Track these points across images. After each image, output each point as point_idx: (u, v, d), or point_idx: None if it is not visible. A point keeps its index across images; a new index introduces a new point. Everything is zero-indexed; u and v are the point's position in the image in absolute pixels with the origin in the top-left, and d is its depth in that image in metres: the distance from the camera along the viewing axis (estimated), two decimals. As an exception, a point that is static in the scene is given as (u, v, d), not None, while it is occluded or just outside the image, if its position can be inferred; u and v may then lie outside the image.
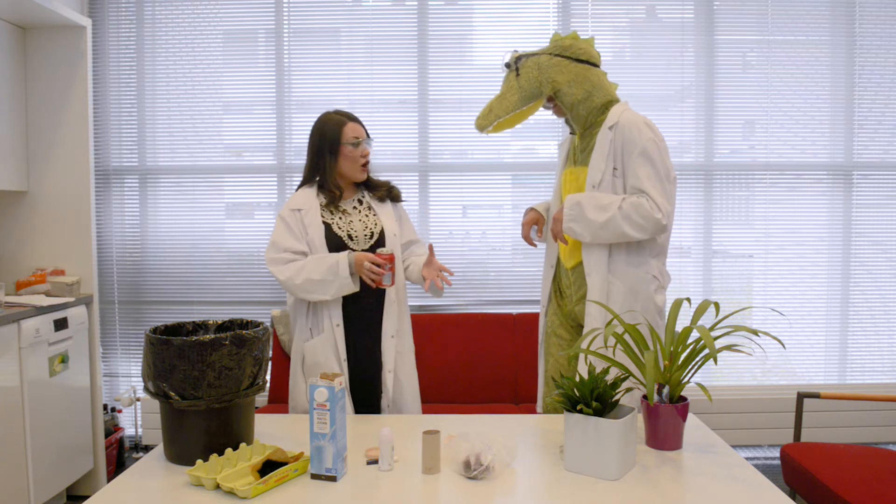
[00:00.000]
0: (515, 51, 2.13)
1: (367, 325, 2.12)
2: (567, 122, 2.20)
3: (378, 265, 1.96)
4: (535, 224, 2.25)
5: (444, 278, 2.09)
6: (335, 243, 2.07)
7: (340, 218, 2.11)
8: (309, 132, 2.14)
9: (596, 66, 2.10)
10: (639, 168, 1.97)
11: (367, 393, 2.13)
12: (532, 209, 2.27)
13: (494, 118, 2.09)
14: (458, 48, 3.49)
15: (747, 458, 3.24)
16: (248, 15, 3.46)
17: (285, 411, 2.53)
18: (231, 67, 3.47)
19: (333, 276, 1.98)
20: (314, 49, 3.46)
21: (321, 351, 2.06)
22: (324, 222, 2.08)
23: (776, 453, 3.42)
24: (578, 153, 2.16)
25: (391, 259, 1.99)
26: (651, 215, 1.93)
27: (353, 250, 2.07)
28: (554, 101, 2.13)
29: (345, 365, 2.07)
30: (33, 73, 3.00)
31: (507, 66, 2.12)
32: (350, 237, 2.09)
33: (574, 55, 2.07)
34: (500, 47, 3.44)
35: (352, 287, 2.01)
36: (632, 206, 1.94)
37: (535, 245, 2.27)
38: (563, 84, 2.06)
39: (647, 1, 3.46)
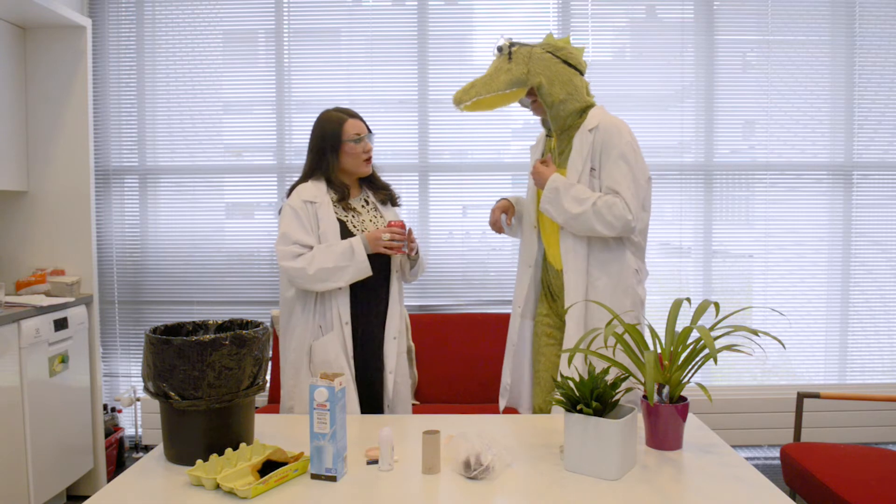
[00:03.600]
0: (510, 38, 2.18)
1: (373, 325, 2.13)
2: (544, 122, 2.25)
3: (400, 235, 2.04)
4: (505, 212, 2.32)
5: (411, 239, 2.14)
6: None
7: (354, 216, 2.12)
8: (310, 131, 2.15)
9: (581, 73, 2.16)
10: (615, 169, 2.04)
11: (369, 393, 2.13)
12: (504, 199, 2.34)
13: (475, 94, 2.13)
14: (458, 48, 3.49)
15: (747, 458, 3.24)
16: (248, 15, 3.46)
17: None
18: (231, 67, 3.47)
19: (348, 261, 1.99)
20: (314, 49, 3.46)
21: (331, 348, 2.04)
22: (338, 219, 2.08)
23: (776, 453, 3.42)
24: (556, 155, 2.20)
25: (402, 225, 2.06)
26: (623, 215, 2.01)
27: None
28: (534, 97, 2.17)
29: (352, 363, 2.07)
30: (33, 73, 3.00)
31: (500, 49, 2.16)
32: None
33: (564, 57, 2.12)
34: (500, 47, 3.46)
35: (368, 270, 2.03)
36: (605, 205, 2.01)
37: (502, 231, 2.33)
38: (546, 81, 2.10)
39: (647, 1, 3.46)
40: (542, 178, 2.12)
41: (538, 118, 2.28)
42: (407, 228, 2.08)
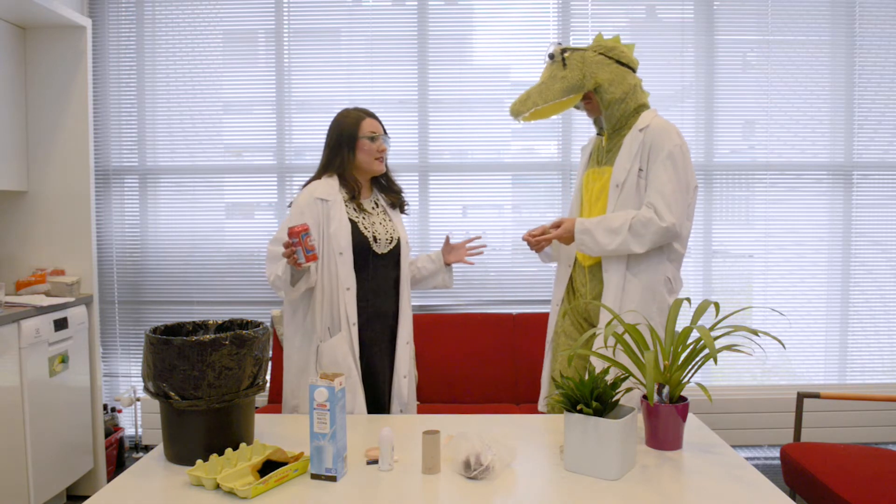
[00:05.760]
0: (559, 43, 2.17)
1: (382, 329, 2.12)
2: (596, 121, 2.24)
3: (290, 245, 1.82)
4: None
5: (477, 250, 2.29)
6: (361, 244, 2.06)
7: (365, 218, 2.11)
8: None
9: (634, 70, 2.15)
10: (661, 170, 2.02)
11: (373, 396, 2.13)
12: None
13: (532, 105, 2.11)
14: (458, 48, 3.49)
15: (747, 458, 3.24)
16: (248, 15, 3.46)
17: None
18: (231, 67, 3.47)
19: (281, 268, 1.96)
20: (314, 49, 3.46)
21: (339, 349, 2.03)
22: (350, 220, 2.07)
23: (776, 453, 3.42)
24: (604, 154, 2.19)
25: (299, 232, 1.80)
26: (659, 227, 1.98)
27: (376, 253, 2.09)
28: (590, 98, 2.16)
29: (358, 363, 2.06)
30: (33, 73, 3.00)
31: (551, 56, 2.14)
32: (375, 239, 2.09)
33: (616, 57, 2.11)
34: (500, 47, 3.46)
35: (286, 281, 1.96)
36: (641, 224, 1.99)
37: (535, 244, 2.29)
38: (604, 81, 2.09)
39: (647, 1, 3.46)
40: (567, 231, 2.09)
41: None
42: (307, 233, 1.82)
